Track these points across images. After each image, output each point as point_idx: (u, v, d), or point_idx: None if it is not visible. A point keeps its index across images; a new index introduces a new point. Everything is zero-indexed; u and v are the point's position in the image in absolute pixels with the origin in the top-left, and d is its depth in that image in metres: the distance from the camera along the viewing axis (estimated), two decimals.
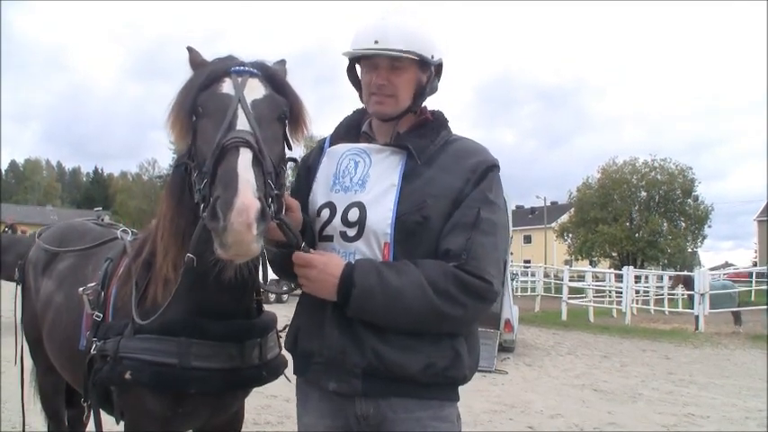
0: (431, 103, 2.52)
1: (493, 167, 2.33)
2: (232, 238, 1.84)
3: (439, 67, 2.42)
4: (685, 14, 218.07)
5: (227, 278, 2.15)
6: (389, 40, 2.25)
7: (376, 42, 2.26)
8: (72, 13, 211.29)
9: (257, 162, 2.00)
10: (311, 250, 2.23)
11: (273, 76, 2.37)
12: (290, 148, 2.42)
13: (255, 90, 2.26)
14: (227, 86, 2.24)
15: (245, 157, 1.97)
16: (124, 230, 3.36)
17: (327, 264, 2.17)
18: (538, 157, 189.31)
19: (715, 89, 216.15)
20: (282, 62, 2.56)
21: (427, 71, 2.38)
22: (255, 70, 2.33)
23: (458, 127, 2.49)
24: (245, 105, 2.16)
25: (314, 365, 2.30)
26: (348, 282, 2.12)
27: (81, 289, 2.88)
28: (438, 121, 2.47)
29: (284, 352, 2.68)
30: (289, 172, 2.51)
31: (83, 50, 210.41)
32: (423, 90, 2.38)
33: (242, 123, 2.11)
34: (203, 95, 2.25)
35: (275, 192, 2.08)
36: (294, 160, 2.47)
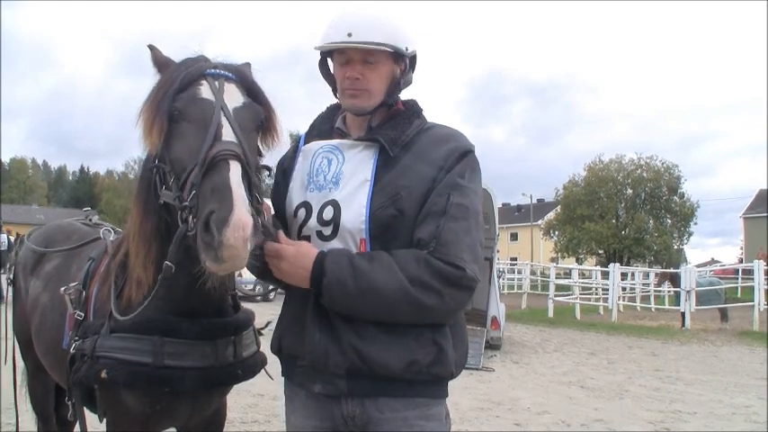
0: (419, 97, 2.49)
1: (467, 152, 2.29)
2: (228, 254, 1.85)
3: (413, 59, 2.38)
4: (679, 11, 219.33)
5: (207, 287, 2.14)
6: (363, 32, 2.21)
7: (349, 35, 2.22)
8: (59, 9, 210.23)
9: (246, 175, 2.01)
10: (281, 234, 2.22)
11: (247, 81, 2.36)
12: (260, 156, 2.40)
13: (235, 97, 2.25)
14: (205, 91, 2.22)
15: (236, 171, 1.98)
16: (107, 230, 3.35)
17: (297, 255, 2.15)
18: (527, 155, 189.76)
19: (706, 86, 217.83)
20: (247, 65, 2.54)
21: (401, 64, 2.34)
22: (230, 74, 2.31)
23: (448, 123, 2.44)
24: (228, 114, 2.15)
25: (298, 369, 2.29)
26: (319, 271, 2.10)
27: (63, 289, 2.88)
28: (410, 110, 2.43)
29: (269, 353, 2.64)
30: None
31: (70, 46, 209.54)
32: (397, 83, 2.35)
33: (228, 134, 2.10)
34: (181, 98, 2.21)
35: (260, 203, 2.11)
36: (268, 168, 2.43)
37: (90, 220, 4.15)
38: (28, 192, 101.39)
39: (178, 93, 2.22)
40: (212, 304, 2.59)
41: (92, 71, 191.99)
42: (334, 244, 2.21)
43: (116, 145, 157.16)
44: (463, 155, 2.26)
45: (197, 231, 1.93)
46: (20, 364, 4.24)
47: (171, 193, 2.18)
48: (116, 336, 2.52)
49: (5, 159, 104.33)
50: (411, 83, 2.43)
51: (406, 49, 2.29)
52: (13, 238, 21.38)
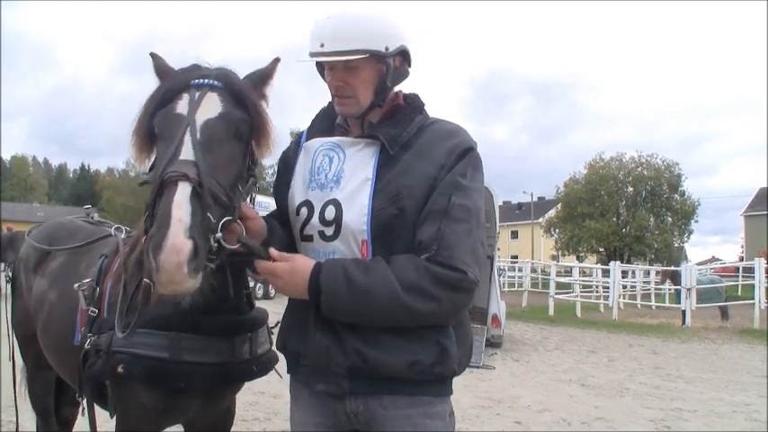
0: (422, 95, 2.46)
1: (469, 150, 2.25)
2: (164, 278, 1.85)
3: (404, 52, 2.32)
4: (679, 11, 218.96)
5: (185, 305, 2.15)
6: (335, 40, 2.18)
7: (322, 45, 2.20)
8: (59, 9, 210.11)
9: (196, 195, 1.96)
10: (273, 252, 2.19)
11: (235, 89, 2.31)
12: (254, 164, 2.39)
13: (210, 108, 2.20)
14: (181, 105, 2.20)
15: (181, 194, 1.93)
16: (118, 228, 3.36)
17: (292, 272, 2.14)
18: (528, 153, 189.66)
19: (706, 86, 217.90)
20: (276, 61, 2.51)
21: (385, 62, 2.27)
22: (216, 82, 2.28)
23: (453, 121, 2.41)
24: (193, 129, 2.11)
25: (302, 367, 2.28)
26: (315, 287, 2.10)
27: (76, 285, 2.89)
28: (411, 106, 2.39)
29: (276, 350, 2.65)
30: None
31: (70, 46, 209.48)
32: (384, 83, 2.30)
33: (186, 152, 2.06)
34: (159, 115, 2.21)
35: (228, 219, 2.06)
36: (253, 176, 2.41)
37: (91, 217, 4.15)
38: (29, 189, 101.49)
39: (159, 108, 2.23)
40: (229, 301, 2.59)
41: (93, 71, 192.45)
42: (336, 245, 2.21)
43: (117, 143, 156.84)
44: (465, 152, 2.24)
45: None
46: (19, 362, 4.24)
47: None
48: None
49: (6, 157, 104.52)
50: (407, 75, 2.40)
51: (387, 49, 2.23)
52: None
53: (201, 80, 2.27)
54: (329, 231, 2.22)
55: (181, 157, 2.04)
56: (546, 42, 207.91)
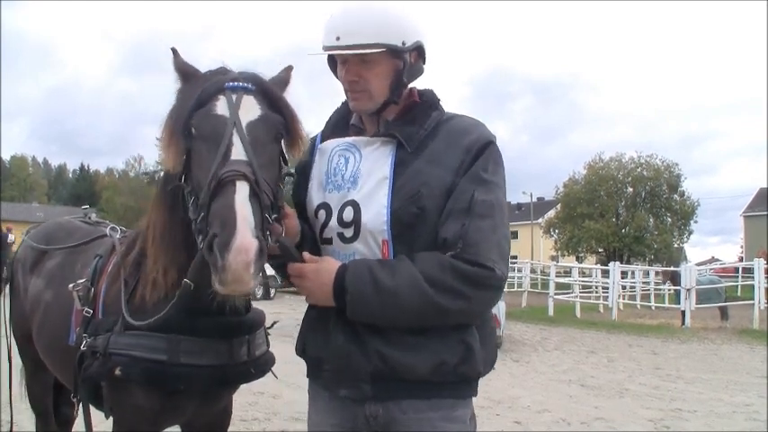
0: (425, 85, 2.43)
1: (488, 144, 2.21)
2: (231, 277, 1.84)
3: (420, 48, 2.29)
4: (679, 11, 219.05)
5: (228, 307, 2.23)
6: (352, 34, 2.15)
7: (338, 39, 2.16)
8: (59, 9, 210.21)
9: (254, 194, 1.96)
10: (305, 255, 2.19)
11: (268, 92, 2.30)
12: (286, 164, 2.37)
13: (251, 110, 2.20)
14: (221, 106, 2.18)
15: (241, 193, 1.94)
16: (113, 228, 3.36)
17: (318, 272, 2.13)
18: (528, 153, 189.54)
19: (706, 86, 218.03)
20: (289, 68, 2.51)
21: (402, 58, 2.24)
22: (250, 85, 2.26)
23: None
24: (240, 130, 2.10)
25: (324, 372, 2.26)
26: (341, 288, 2.08)
27: (71, 285, 2.88)
28: (427, 102, 2.36)
29: (276, 353, 2.63)
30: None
31: (71, 46, 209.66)
32: (400, 78, 2.26)
33: (237, 152, 2.06)
34: (198, 115, 2.19)
35: (274, 217, 2.08)
36: (291, 175, 2.42)
37: (89, 218, 4.14)
38: (28, 190, 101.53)
39: (196, 109, 2.20)
40: (227, 303, 2.59)
41: (93, 71, 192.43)
42: (357, 246, 2.19)
43: (117, 143, 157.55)
44: (485, 147, 2.20)
45: (204, 254, 1.93)
46: (16, 361, 4.24)
47: (192, 214, 2.18)
48: (130, 333, 2.53)
49: (6, 157, 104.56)
50: (421, 73, 2.36)
51: (404, 44, 2.20)
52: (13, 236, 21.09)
53: (235, 83, 2.24)
54: (348, 233, 2.20)
55: (233, 157, 2.04)
56: (546, 42, 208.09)
